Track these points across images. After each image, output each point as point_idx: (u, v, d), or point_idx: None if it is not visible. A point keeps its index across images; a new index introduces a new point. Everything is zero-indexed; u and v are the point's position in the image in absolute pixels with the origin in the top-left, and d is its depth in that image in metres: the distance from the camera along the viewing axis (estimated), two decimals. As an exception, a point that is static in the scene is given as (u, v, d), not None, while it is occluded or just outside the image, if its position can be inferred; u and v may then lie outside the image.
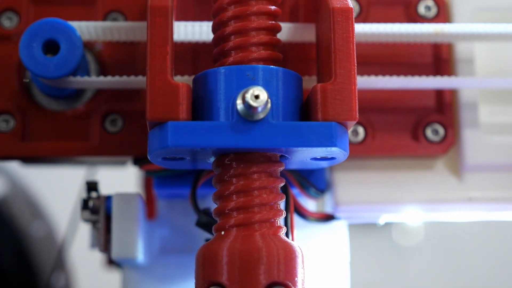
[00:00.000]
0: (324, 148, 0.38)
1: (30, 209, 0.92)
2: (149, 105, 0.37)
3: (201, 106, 0.39)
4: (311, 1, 0.45)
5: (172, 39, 0.39)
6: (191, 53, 0.47)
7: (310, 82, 0.45)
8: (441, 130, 0.47)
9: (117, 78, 0.44)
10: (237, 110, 0.37)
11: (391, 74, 0.47)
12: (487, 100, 0.49)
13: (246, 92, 0.37)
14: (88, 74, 0.46)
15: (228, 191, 0.39)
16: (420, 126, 0.47)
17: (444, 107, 0.47)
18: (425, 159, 0.48)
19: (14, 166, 0.89)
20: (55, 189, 1.09)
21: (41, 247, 0.90)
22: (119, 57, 0.47)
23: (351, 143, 0.46)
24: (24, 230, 0.88)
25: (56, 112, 0.47)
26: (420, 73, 0.48)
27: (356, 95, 0.38)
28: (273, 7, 0.41)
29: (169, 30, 0.38)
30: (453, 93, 0.48)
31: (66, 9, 0.47)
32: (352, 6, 0.39)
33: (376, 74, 0.47)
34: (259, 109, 0.37)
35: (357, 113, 0.38)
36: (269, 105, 0.37)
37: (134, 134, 0.46)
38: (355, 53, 0.39)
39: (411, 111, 0.48)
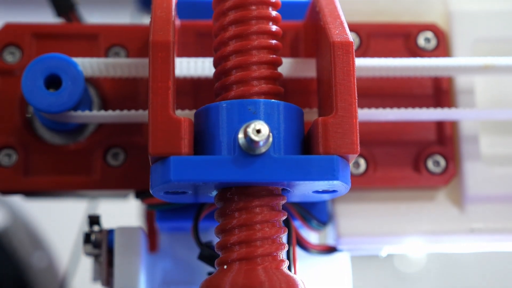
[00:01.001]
0: (326, 182, 0.38)
1: (31, 241, 0.92)
2: (151, 140, 0.37)
3: (203, 140, 0.39)
4: (311, 34, 0.46)
5: (174, 74, 0.39)
6: (192, 87, 0.47)
7: (311, 115, 0.45)
8: (442, 162, 0.47)
9: (119, 112, 0.45)
10: (239, 144, 0.37)
11: (391, 105, 0.47)
12: (488, 131, 0.49)
13: (247, 126, 0.37)
14: (90, 108, 0.46)
15: (230, 225, 0.39)
16: (421, 157, 0.47)
17: (445, 139, 0.48)
18: (427, 190, 0.48)
19: (15, 198, 0.89)
20: (56, 220, 1.09)
21: (42, 278, 0.89)
22: (121, 90, 0.48)
23: (352, 175, 0.46)
24: (25, 261, 0.88)
25: (58, 146, 0.47)
26: (420, 105, 0.48)
27: (357, 128, 0.38)
28: (274, 42, 0.41)
29: (171, 65, 0.39)
30: (453, 124, 0.48)
31: (68, 44, 0.48)
32: (352, 40, 0.39)
33: (377, 105, 0.47)
34: (261, 143, 0.37)
35: (359, 146, 0.38)
36: (270, 139, 0.37)
37: (136, 168, 0.47)
38: (355, 86, 0.39)
39: (412, 143, 0.48)
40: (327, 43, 0.40)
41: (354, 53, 0.39)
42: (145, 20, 0.76)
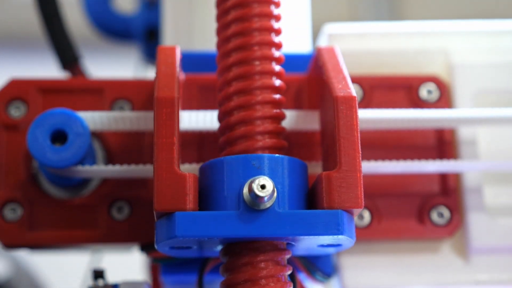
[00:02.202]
0: (331, 236, 0.38)
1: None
2: (156, 196, 0.38)
3: (207, 195, 0.39)
4: (314, 86, 0.46)
5: (178, 129, 0.39)
6: (197, 140, 0.48)
7: (315, 168, 0.45)
8: (447, 213, 0.47)
9: (123, 167, 0.45)
10: (243, 199, 0.37)
11: (395, 157, 0.48)
12: (492, 182, 0.49)
13: (252, 182, 0.37)
14: (95, 161, 0.47)
15: (235, 280, 0.39)
16: (426, 209, 0.47)
17: (448, 190, 0.48)
18: (431, 242, 0.48)
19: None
20: (59, 272, 1.09)
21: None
22: (126, 143, 0.48)
23: (357, 227, 0.46)
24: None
25: (63, 200, 0.47)
26: (423, 156, 0.48)
27: (362, 182, 0.38)
28: (277, 96, 0.42)
29: (176, 121, 0.39)
30: (457, 175, 0.48)
31: (73, 98, 0.48)
32: (355, 95, 0.40)
33: (380, 157, 0.47)
34: (266, 198, 0.37)
35: (363, 201, 0.38)
36: (275, 194, 0.37)
37: (141, 221, 0.47)
38: (359, 140, 0.39)
39: (416, 194, 0.48)
40: (330, 97, 0.40)
41: (357, 107, 0.40)
42: (149, 72, 0.77)
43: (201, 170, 0.40)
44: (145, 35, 0.73)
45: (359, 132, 0.39)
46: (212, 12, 0.45)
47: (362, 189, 0.38)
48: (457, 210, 0.47)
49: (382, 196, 0.48)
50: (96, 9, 0.74)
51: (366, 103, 0.49)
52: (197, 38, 0.53)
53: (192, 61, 0.50)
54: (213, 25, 0.45)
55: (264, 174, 0.38)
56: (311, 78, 0.47)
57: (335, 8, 1.79)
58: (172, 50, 0.44)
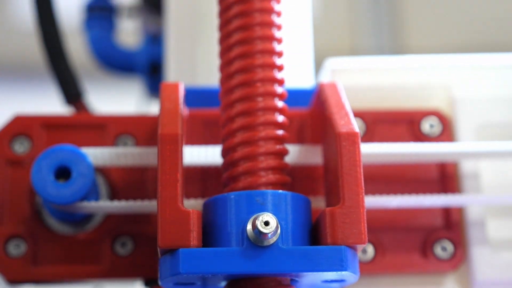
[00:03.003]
0: (334, 272, 0.38)
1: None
2: (160, 233, 0.38)
3: (211, 231, 0.39)
4: (317, 121, 0.46)
5: (182, 165, 0.39)
6: (200, 175, 0.48)
7: (318, 202, 0.45)
8: (450, 247, 0.47)
9: (127, 203, 0.45)
10: (247, 236, 0.38)
11: (398, 191, 0.48)
12: (495, 215, 0.49)
13: (256, 218, 0.37)
14: (98, 197, 0.47)
15: (239, 316, 0.39)
16: (429, 243, 0.47)
17: (452, 224, 0.48)
18: (435, 276, 0.48)
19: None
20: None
21: None
22: (129, 178, 0.48)
23: (361, 262, 0.46)
24: None
25: (67, 235, 0.47)
26: (426, 190, 0.48)
27: (365, 218, 0.38)
28: (280, 132, 0.42)
29: (179, 158, 0.39)
30: (460, 209, 0.48)
31: (77, 134, 0.48)
32: (358, 131, 0.40)
33: (383, 191, 0.48)
34: (270, 235, 0.37)
35: (366, 236, 0.38)
36: (279, 230, 0.37)
37: (144, 256, 0.47)
38: (362, 176, 0.39)
39: (419, 228, 0.48)
40: (333, 133, 0.41)
41: (360, 143, 0.40)
42: (153, 105, 0.77)
43: (205, 206, 0.40)
44: (149, 69, 0.74)
45: (362, 168, 0.39)
46: (215, 47, 0.46)
47: (366, 224, 0.38)
48: (460, 244, 0.47)
49: (385, 230, 0.48)
50: (100, 44, 0.75)
51: (368, 137, 0.49)
52: (201, 73, 0.54)
53: (195, 96, 0.50)
54: (216, 60, 0.45)
55: (267, 211, 0.38)
56: (314, 113, 0.48)
57: (338, 39, 1.80)
58: (176, 86, 0.44)
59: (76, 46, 0.75)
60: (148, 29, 0.76)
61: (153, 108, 0.78)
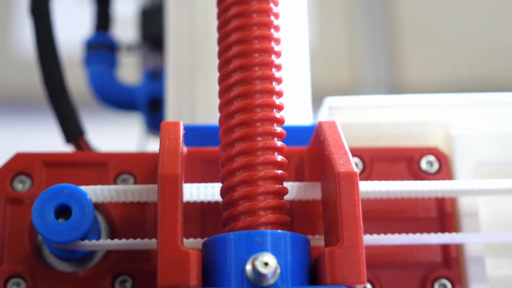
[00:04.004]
0: (333, 312, 0.38)
1: None
2: (160, 273, 0.38)
3: (211, 271, 0.40)
4: (316, 160, 0.47)
5: (182, 205, 0.40)
6: (200, 212, 0.48)
7: (317, 241, 0.45)
8: (449, 286, 0.47)
9: (127, 241, 0.45)
10: (246, 276, 0.38)
11: (396, 228, 0.48)
12: (493, 253, 0.49)
13: (255, 259, 0.37)
14: (98, 234, 0.47)
15: None
16: (428, 281, 0.47)
17: (450, 262, 0.48)
18: (435, 313, 0.48)
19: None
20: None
21: None
22: (129, 216, 0.48)
23: (359, 300, 0.46)
24: None
25: (67, 273, 0.47)
26: (425, 227, 0.48)
27: (364, 258, 0.39)
28: (280, 172, 0.42)
29: (179, 197, 0.39)
30: (459, 247, 0.48)
31: (77, 172, 0.49)
32: (356, 170, 0.40)
33: (382, 228, 0.48)
34: (269, 275, 0.37)
35: (366, 276, 0.38)
36: (278, 271, 0.38)
37: (144, 294, 0.47)
38: (361, 216, 0.39)
39: (418, 266, 0.48)
40: (332, 172, 0.41)
41: (358, 183, 0.40)
42: (152, 142, 0.78)
43: (204, 245, 0.41)
44: (149, 106, 0.74)
45: (360, 207, 0.40)
46: (215, 86, 0.46)
47: (365, 264, 0.39)
48: (459, 282, 0.47)
49: (384, 267, 0.48)
50: (100, 81, 0.75)
51: (366, 175, 0.49)
52: (200, 111, 0.54)
53: (195, 134, 0.50)
54: (216, 98, 0.46)
55: (267, 250, 0.38)
56: (312, 151, 0.48)
57: (337, 74, 1.81)
58: (176, 125, 0.44)
59: (77, 80, 0.76)
60: (147, 66, 0.76)
61: (152, 144, 0.78)
